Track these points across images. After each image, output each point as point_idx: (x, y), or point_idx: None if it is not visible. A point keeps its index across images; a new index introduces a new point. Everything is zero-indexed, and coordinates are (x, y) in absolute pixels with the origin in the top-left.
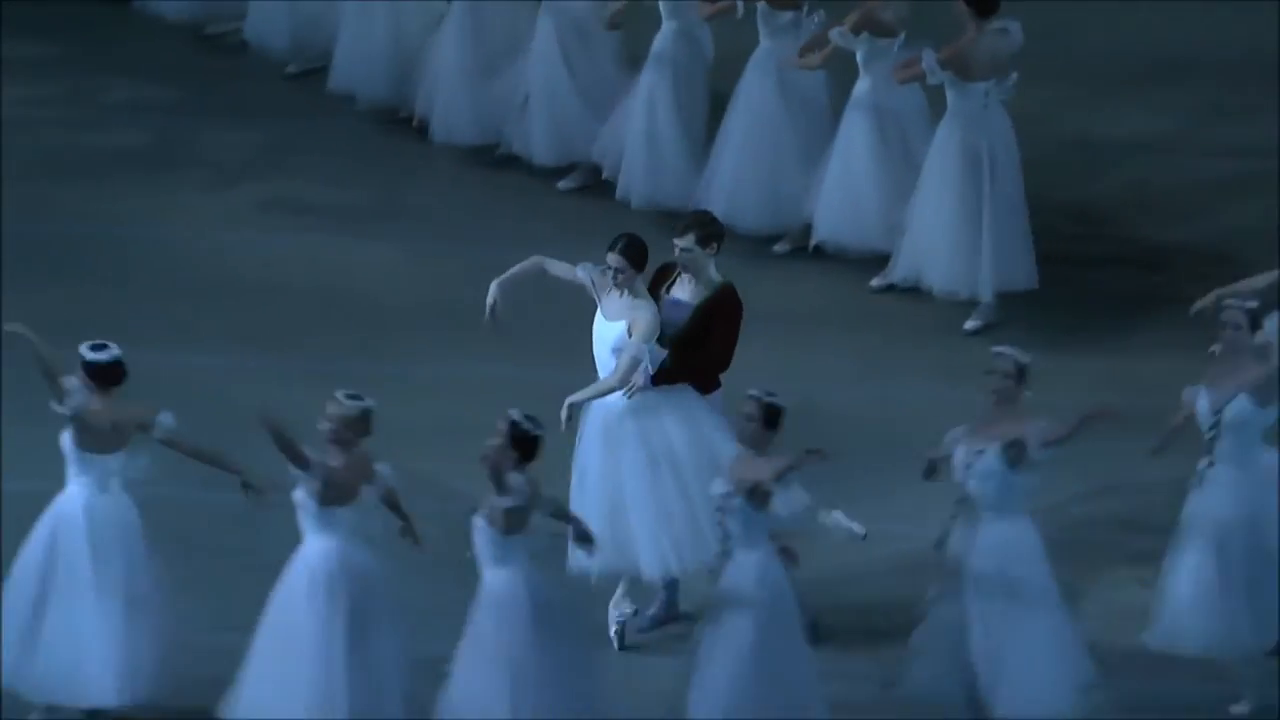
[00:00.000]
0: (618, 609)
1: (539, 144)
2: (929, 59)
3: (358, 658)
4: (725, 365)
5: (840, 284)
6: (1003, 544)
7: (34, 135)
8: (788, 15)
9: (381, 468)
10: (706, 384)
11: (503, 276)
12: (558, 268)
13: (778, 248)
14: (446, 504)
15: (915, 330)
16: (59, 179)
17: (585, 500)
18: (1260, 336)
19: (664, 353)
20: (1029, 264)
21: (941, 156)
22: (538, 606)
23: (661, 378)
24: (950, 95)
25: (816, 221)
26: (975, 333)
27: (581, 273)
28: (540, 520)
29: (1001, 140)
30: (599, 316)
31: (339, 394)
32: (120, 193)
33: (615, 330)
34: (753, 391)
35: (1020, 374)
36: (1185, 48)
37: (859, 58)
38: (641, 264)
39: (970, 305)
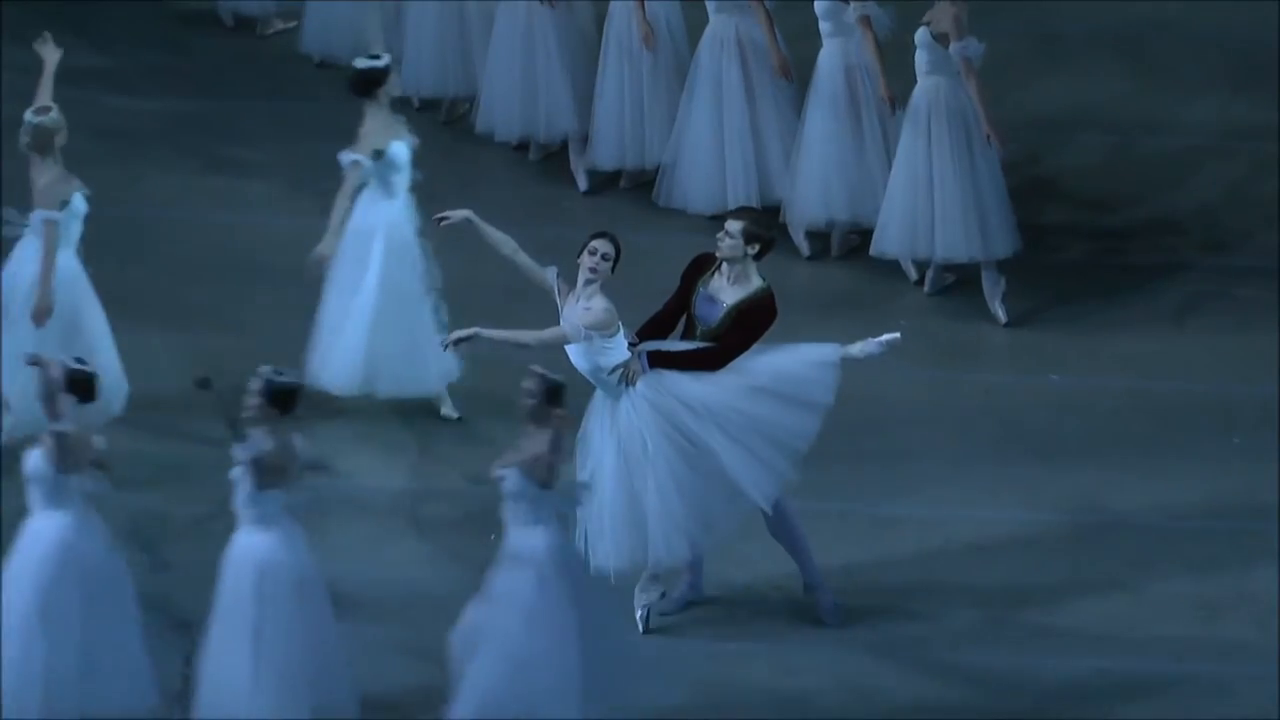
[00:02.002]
0: (644, 593)
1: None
2: (924, 34)
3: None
4: (729, 359)
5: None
6: None
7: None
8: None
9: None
10: (714, 365)
11: (479, 221)
12: (527, 260)
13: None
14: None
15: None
16: (79, 161)
17: (601, 496)
18: None
19: (615, 344)
20: (1011, 230)
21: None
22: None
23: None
24: (926, 62)
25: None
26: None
27: (550, 276)
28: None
29: (970, 106)
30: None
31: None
32: (139, 174)
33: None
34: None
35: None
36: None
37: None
38: (617, 261)
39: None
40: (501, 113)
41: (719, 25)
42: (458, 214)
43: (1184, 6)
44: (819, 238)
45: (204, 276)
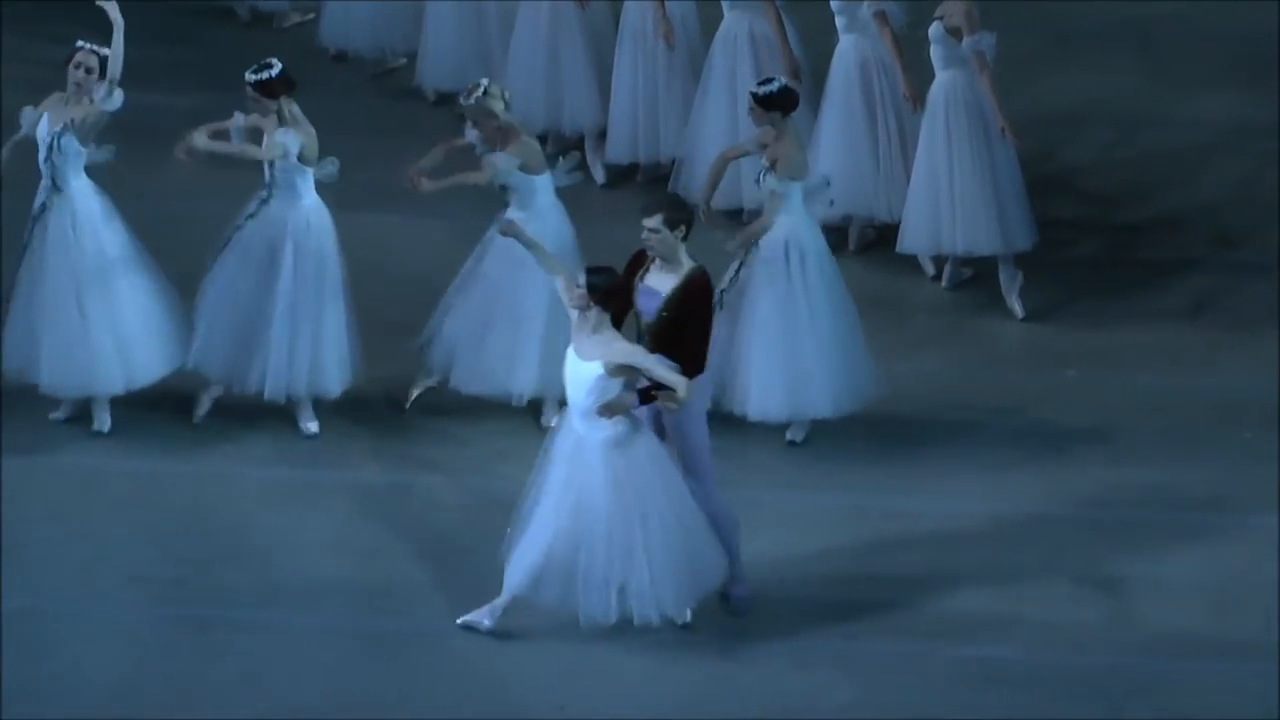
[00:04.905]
0: None
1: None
2: (937, 28)
3: None
4: (704, 350)
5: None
6: None
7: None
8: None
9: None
10: (689, 369)
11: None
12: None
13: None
14: None
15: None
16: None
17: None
18: None
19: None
20: (1029, 223)
21: (947, 117)
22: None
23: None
24: (941, 57)
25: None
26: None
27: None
28: None
29: (986, 100)
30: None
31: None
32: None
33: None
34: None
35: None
36: (1154, 18)
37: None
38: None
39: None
40: (524, 106)
41: (733, 22)
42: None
43: (1194, 3)
44: (836, 232)
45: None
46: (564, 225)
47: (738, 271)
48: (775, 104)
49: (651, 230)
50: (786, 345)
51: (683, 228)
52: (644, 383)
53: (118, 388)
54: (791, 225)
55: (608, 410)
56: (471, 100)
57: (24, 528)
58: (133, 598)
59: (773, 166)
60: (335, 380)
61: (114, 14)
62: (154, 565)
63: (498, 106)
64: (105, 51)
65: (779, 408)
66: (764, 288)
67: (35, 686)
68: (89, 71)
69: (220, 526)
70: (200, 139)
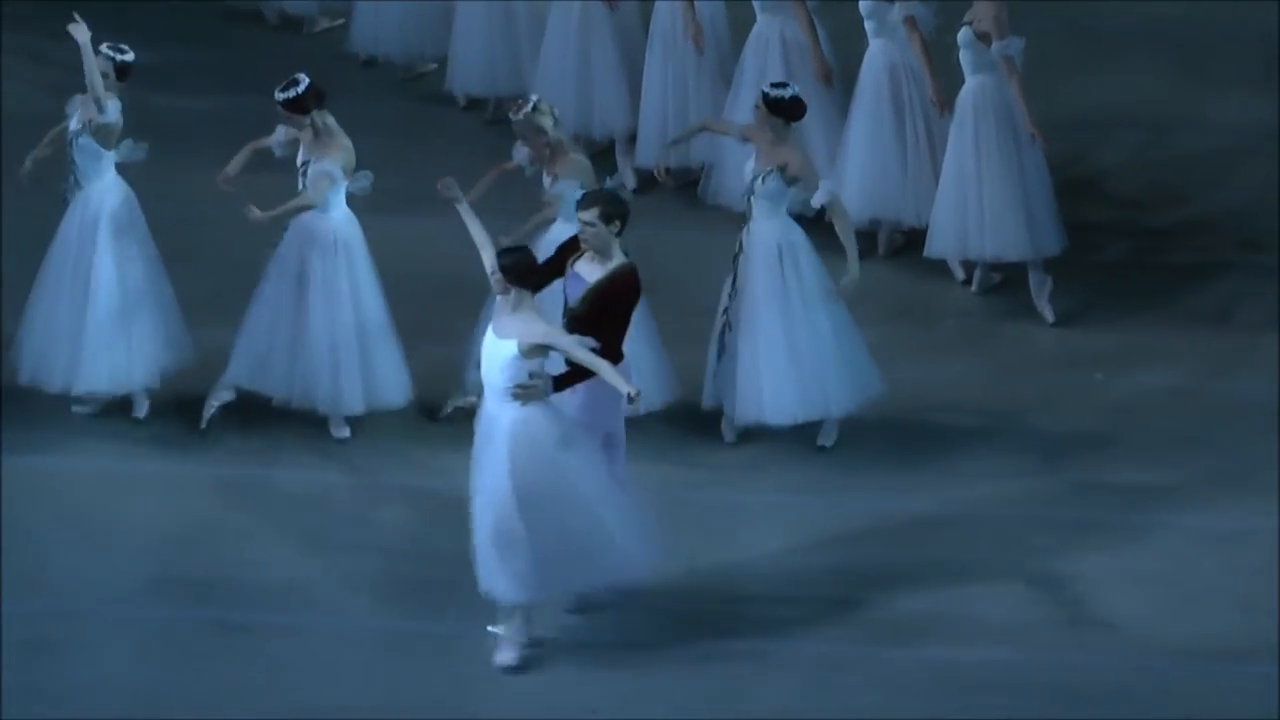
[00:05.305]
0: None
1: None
2: (966, 34)
3: None
4: (620, 342)
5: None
6: None
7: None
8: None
9: None
10: (609, 357)
11: (467, 211)
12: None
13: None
14: None
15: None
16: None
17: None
18: None
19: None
20: (1058, 227)
21: (976, 122)
22: None
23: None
24: (970, 62)
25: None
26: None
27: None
28: None
29: (1015, 105)
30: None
31: None
32: (185, 172)
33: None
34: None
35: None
36: (1184, 21)
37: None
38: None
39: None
40: None
41: (764, 26)
42: (456, 193)
43: (1223, 5)
44: (865, 237)
45: (250, 274)
46: None
47: (734, 284)
48: (782, 110)
49: (587, 223)
50: (790, 346)
51: (617, 222)
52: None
53: (105, 386)
54: (781, 227)
55: (521, 393)
56: (520, 116)
57: (41, 528)
58: (154, 600)
59: (781, 170)
60: (396, 392)
61: (78, 35)
62: (176, 567)
63: (547, 123)
64: (121, 57)
65: (795, 409)
66: (761, 292)
67: (53, 688)
68: (103, 75)
69: (243, 529)
70: (236, 165)
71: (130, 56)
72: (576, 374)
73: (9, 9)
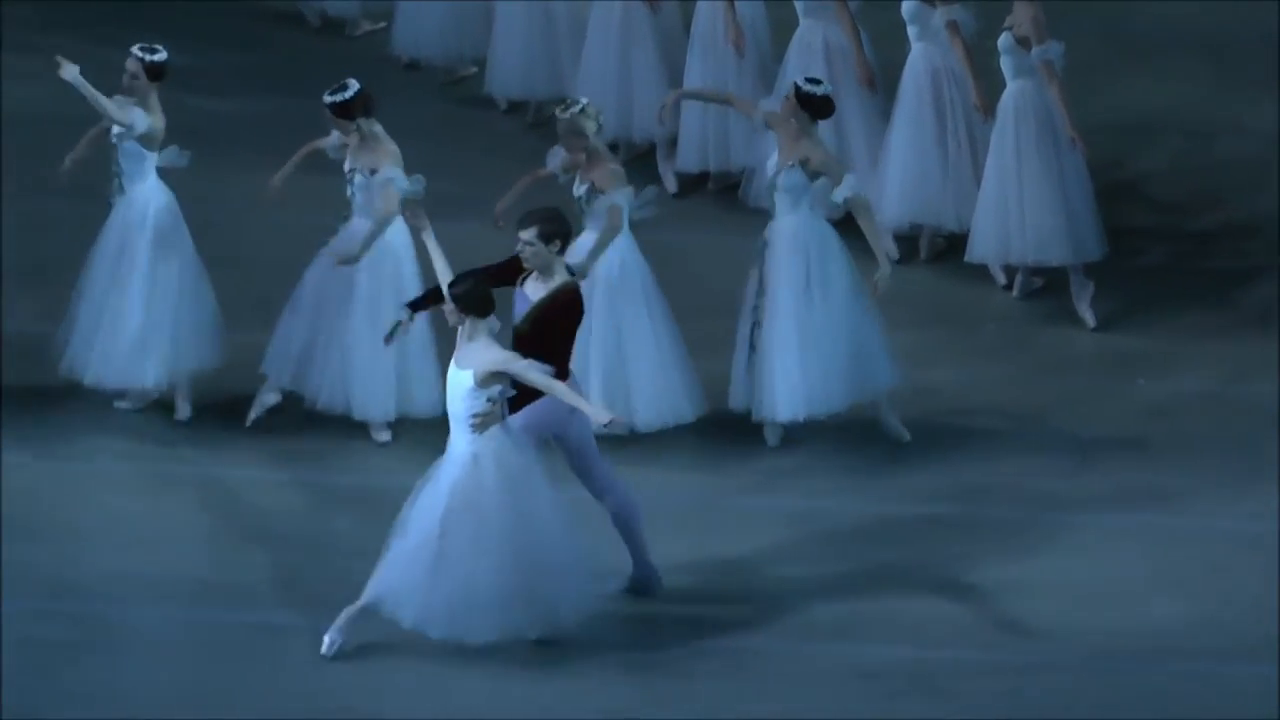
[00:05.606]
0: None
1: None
2: (1006, 39)
3: None
4: (566, 360)
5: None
6: None
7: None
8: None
9: None
10: (556, 375)
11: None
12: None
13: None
14: None
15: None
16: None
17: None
18: None
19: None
20: (1099, 232)
21: (1017, 126)
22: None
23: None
24: (1011, 67)
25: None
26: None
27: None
28: None
29: (1056, 109)
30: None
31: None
32: (225, 175)
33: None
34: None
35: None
36: (1224, 24)
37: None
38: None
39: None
40: None
41: (807, 30)
42: (422, 221)
43: (1260, 6)
44: (907, 241)
45: (291, 277)
46: (632, 251)
47: (760, 281)
48: (811, 105)
49: (526, 243)
50: (802, 343)
51: (558, 241)
52: (512, 392)
53: (148, 381)
54: (805, 221)
55: (479, 422)
56: (566, 115)
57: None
58: (185, 601)
59: (803, 164)
60: (424, 402)
61: (66, 74)
62: (209, 569)
63: (590, 127)
64: (151, 57)
65: (802, 404)
66: (784, 287)
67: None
68: (134, 77)
69: (289, 531)
70: (288, 171)
71: (161, 56)
72: (527, 396)
73: (9, 9)
